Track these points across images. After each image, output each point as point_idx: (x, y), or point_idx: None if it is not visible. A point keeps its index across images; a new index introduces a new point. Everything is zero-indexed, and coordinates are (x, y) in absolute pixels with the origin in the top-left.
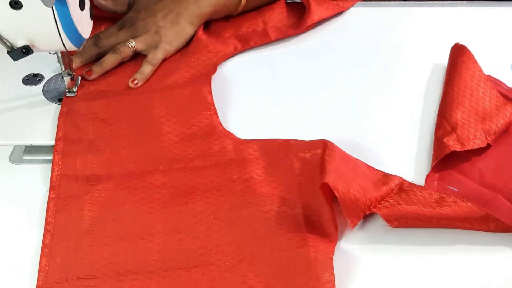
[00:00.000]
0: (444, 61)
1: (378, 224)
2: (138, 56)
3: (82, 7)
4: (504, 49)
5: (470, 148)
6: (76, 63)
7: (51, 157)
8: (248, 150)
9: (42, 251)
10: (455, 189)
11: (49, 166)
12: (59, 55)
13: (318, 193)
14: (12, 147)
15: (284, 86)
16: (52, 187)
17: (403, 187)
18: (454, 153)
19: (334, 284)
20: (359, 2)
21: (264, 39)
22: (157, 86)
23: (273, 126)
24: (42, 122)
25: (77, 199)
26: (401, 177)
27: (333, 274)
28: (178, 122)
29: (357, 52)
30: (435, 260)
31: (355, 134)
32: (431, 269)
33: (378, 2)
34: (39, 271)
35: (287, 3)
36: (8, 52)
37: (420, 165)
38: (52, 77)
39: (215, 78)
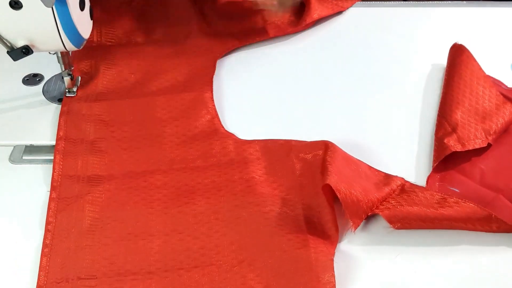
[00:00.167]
0: (444, 61)
1: (378, 225)
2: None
3: (82, 7)
4: (504, 49)
5: (471, 148)
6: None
7: (51, 157)
8: (249, 150)
9: (42, 251)
10: (457, 190)
11: (49, 166)
12: (59, 55)
13: (319, 194)
14: (12, 147)
15: (284, 86)
16: (53, 187)
17: (405, 188)
18: (454, 154)
19: (334, 285)
20: (358, 2)
21: (263, 36)
22: (157, 84)
23: (273, 126)
24: (42, 122)
25: (78, 199)
26: (402, 178)
27: (333, 275)
28: (180, 125)
29: (357, 52)
30: (437, 261)
31: (355, 135)
32: (432, 271)
33: (377, 2)
34: (40, 270)
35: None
36: (8, 52)
37: (421, 165)
38: (52, 77)
39: (215, 78)
